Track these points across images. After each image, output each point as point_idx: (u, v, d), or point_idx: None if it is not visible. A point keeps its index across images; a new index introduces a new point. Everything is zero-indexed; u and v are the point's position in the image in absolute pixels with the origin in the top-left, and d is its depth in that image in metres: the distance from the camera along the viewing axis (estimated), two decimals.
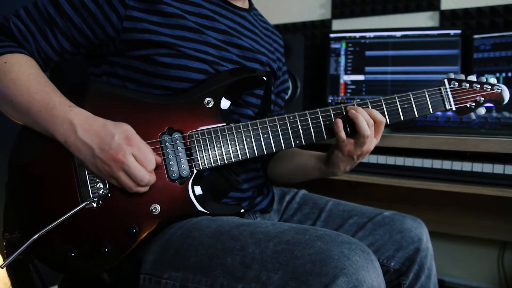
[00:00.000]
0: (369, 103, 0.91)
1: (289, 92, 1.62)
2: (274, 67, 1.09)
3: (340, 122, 0.88)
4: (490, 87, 0.96)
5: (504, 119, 1.20)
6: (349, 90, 1.66)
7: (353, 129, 0.89)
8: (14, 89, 0.81)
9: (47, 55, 0.88)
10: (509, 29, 1.43)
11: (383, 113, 0.91)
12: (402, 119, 0.92)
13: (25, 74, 0.82)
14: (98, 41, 0.89)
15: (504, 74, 1.42)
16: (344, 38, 1.66)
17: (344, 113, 0.90)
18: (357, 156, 0.93)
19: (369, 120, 0.88)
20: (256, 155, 0.88)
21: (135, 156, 0.77)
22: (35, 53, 0.87)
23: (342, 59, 1.67)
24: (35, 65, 0.86)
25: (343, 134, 0.89)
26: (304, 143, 0.90)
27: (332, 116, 0.90)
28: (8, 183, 0.85)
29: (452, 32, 1.53)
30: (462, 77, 0.97)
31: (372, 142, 0.91)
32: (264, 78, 0.92)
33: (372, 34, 1.62)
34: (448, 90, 0.96)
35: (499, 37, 1.44)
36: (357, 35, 1.64)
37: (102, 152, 0.77)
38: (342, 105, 0.91)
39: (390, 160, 1.25)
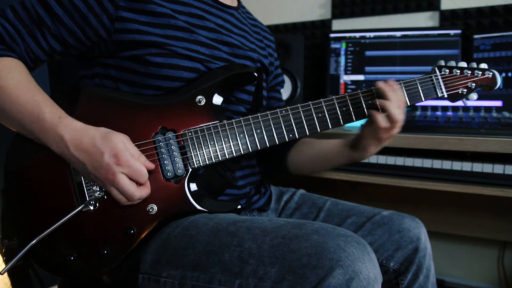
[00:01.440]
0: (360, 94, 0.92)
1: (283, 86, 1.62)
2: (265, 63, 1.09)
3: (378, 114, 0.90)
4: (481, 72, 0.96)
5: (504, 119, 1.20)
6: (349, 90, 1.66)
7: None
8: (4, 98, 0.80)
9: (37, 55, 0.87)
10: (509, 29, 1.43)
11: (374, 103, 0.92)
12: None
13: (15, 81, 0.81)
14: (90, 43, 0.88)
15: (504, 74, 1.42)
16: (344, 38, 1.66)
17: (363, 100, 0.92)
18: (385, 139, 0.94)
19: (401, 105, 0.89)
20: (250, 150, 0.88)
21: (126, 174, 0.78)
22: (24, 54, 0.86)
23: (342, 59, 1.67)
24: (24, 71, 0.85)
25: (385, 124, 0.90)
26: (297, 137, 0.90)
27: (325, 109, 0.91)
28: (4, 189, 0.85)
29: (452, 32, 1.52)
30: (453, 63, 0.98)
31: (399, 126, 0.92)
32: (255, 74, 0.92)
33: (372, 34, 1.62)
34: (439, 77, 0.96)
35: (499, 37, 1.44)
36: (357, 35, 1.64)
37: (94, 169, 0.78)
38: (333, 97, 0.91)
39: (390, 160, 1.24)
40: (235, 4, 1.07)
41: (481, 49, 1.47)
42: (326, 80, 1.69)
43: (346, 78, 1.66)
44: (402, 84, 0.93)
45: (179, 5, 0.92)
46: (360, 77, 1.64)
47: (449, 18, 1.62)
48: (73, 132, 0.79)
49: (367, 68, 1.63)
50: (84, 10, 0.85)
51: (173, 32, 0.89)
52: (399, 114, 0.89)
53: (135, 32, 0.86)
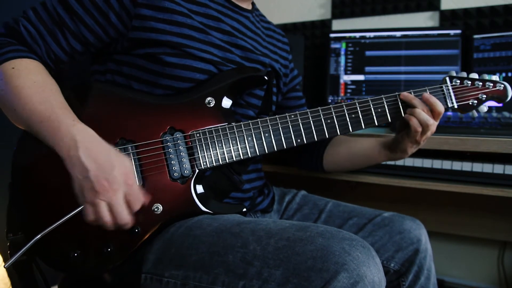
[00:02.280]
0: (370, 102, 0.92)
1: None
2: (276, 68, 1.09)
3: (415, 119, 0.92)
4: (492, 84, 0.96)
5: (504, 119, 1.20)
6: (349, 90, 1.66)
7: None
8: (18, 97, 0.80)
9: (58, 56, 0.88)
10: (509, 29, 1.44)
11: (384, 111, 0.92)
12: (404, 116, 0.93)
13: (31, 81, 0.81)
14: (110, 40, 0.89)
15: (504, 74, 1.43)
16: (344, 38, 1.66)
17: (401, 103, 0.93)
18: (423, 140, 0.96)
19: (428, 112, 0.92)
20: (258, 153, 0.88)
21: (127, 195, 0.76)
22: (45, 56, 0.87)
23: (342, 59, 1.67)
24: (43, 71, 0.84)
25: (419, 128, 0.92)
26: (305, 142, 0.90)
27: (333, 114, 0.91)
28: (11, 183, 0.84)
29: (452, 32, 1.53)
30: (464, 74, 0.97)
31: (433, 128, 0.93)
32: (265, 77, 0.92)
33: (372, 34, 1.62)
34: (450, 88, 0.96)
35: (499, 37, 1.44)
36: (357, 35, 1.64)
37: (96, 178, 0.74)
38: (342, 102, 0.91)
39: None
40: (249, 7, 1.06)
41: (481, 49, 1.47)
42: (326, 80, 1.69)
43: (346, 78, 1.66)
44: (412, 93, 0.93)
45: (196, 6, 0.92)
46: (360, 77, 1.64)
47: (449, 18, 1.62)
48: (86, 136, 0.77)
49: (367, 68, 1.63)
50: (104, 8, 0.85)
51: (189, 32, 0.89)
52: (428, 119, 0.91)
53: (151, 31, 0.86)
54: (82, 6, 0.85)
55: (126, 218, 0.76)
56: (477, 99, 0.96)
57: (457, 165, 1.17)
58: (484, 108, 0.97)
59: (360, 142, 1.11)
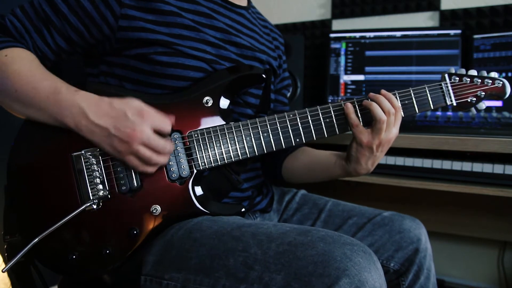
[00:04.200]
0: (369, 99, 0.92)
1: (290, 90, 1.62)
2: (274, 65, 1.08)
3: (350, 106, 0.89)
4: (491, 81, 0.96)
5: (504, 119, 1.20)
6: (349, 90, 1.66)
7: (366, 118, 0.90)
8: (18, 79, 0.80)
9: (44, 53, 0.88)
10: (509, 29, 1.44)
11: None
12: (403, 115, 0.92)
13: (28, 65, 0.82)
14: (94, 41, 0.88)
15: (504, 74, 1.42)
16: (344, 38, 1.66)
17: (357, 105, 0.91)
18: (376, 147, 0.89)
19: (390, 109, 0.87)
20: (256, 154, 0.88)
21: (152, 127, 0.78)
22: (31, 51, 0.86)
23: (342, 59, 1.67)
24: (36, 58, 0.85)
25: (353, 116, 0.89)
26: (304, 141, 0.90)
27: (332, 113, 0.90)
28: (7, 185, 0.84)
29: (452, 32, 1.53)
30: (463, 71, 0.97)
31: (391, 131, 0.89)
32: (263, 75, 0.92)
33: (372, 34, 1.62)
34: (449, 85, 0.96)
35: (499, 37, 1.44)
36: (357, 35, 1.64)
37: (118, 131, 0.77)
38: (342, 101, 0.91)
39: (390, 160, 1.25)
40: (244, 3, 1.06)
41: (481, 49, 1.47)
42: (326, 80, 1.69)
43: (346, 78, 1.66)
44: (411, 91, 0.93)
45: (186, 3, 0.91)
46: (360, 77, 1.64)
47: (449, 18, 1.62)
48: (90, 100, 0.79)
49: (367, 68, 1.63)
50: (89, 7, 0.85)
51: (180, 31, 0.88)
52: (381, 115, 0.86)
53: (141, 30, 0.86)
54: (67, 5, 0.85)
55: (163, 145, 0.79)
56: (476, 96, 0.96)
57: (457, 165, 1.16)
58: (482, 105, 0.96)
59: (320, 152, 1.08)
